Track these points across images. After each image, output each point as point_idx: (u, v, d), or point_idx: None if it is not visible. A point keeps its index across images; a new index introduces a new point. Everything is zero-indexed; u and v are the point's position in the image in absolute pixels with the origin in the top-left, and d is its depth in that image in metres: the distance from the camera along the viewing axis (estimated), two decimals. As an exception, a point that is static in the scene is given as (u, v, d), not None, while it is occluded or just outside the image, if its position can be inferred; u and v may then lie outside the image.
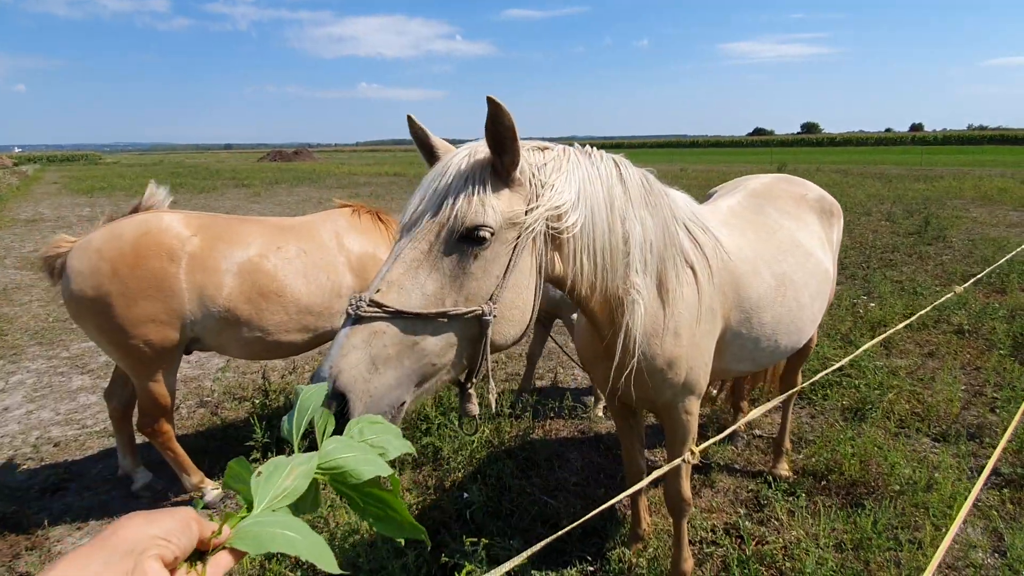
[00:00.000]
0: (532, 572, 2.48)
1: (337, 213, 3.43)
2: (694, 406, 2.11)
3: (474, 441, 3.38)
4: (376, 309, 1.22)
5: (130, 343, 2.72)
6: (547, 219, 1.42)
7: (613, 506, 3.00)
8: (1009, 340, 4.93)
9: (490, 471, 3.18)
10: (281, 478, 0.74)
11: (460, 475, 3.24)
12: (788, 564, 2.49)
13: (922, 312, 3.28)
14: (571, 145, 1.64)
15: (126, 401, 3.22)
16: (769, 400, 4.18)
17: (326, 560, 0.65)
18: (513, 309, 1.39)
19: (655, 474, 1.72)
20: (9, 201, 20.52)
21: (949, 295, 3.37)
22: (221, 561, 0.65)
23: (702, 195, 2.28)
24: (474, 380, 1.39)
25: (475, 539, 2.25)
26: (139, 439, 3.51)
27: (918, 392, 4.14)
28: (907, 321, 3.14)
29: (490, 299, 1.33)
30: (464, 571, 2.13)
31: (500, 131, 1.30)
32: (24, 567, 2.73)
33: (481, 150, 1.39)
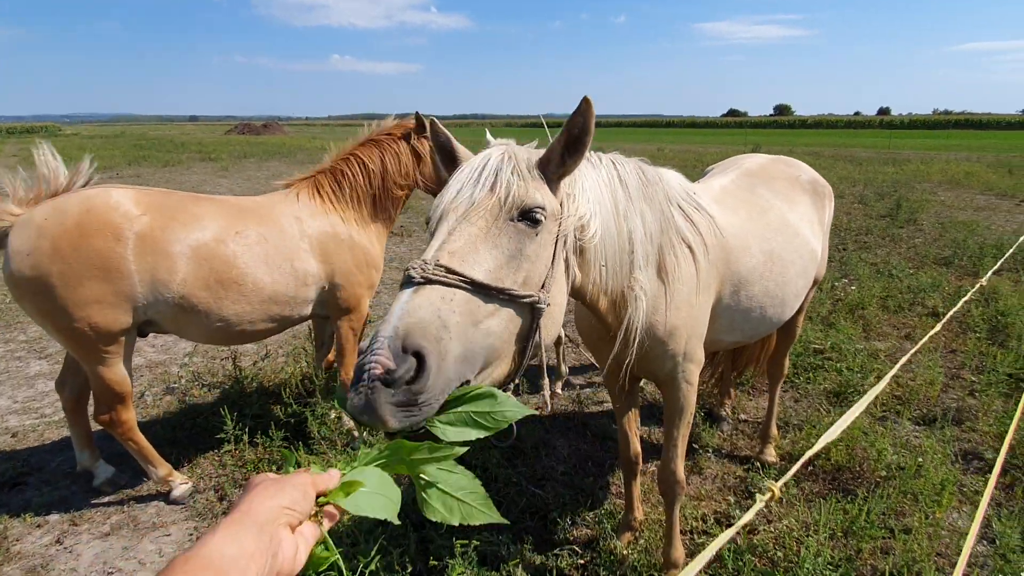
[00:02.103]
0: (524, 561, 2.40)
1: (294, 193, 3.20)
2: (694, 376, 2.18)
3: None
4: (444, 273, 1.14)
5: (75, 327, 2.50)
6: (574, 228, 1.44)
7: (603, 497, 2.95)
8: (985, 324, 5.03)
9: (475, 461, 3.08)
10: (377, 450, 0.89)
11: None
12: (780, 554, 2.46)
13: (953, 310, 3.26)
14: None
15: (79, 390, 2.98)
16: (756, 385, 4.19)
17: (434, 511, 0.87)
18: (556, 306, 1.36)
19: (740, 522, 1.62)
20: (-47, 172, 19.25)
21: (975, 288, 3.45)
22: (331, 512, 0.79)
23: (682, 175, 2.24)
24: (516, 381, 1.31)
25: (465, 541, 2.14)
26: (96, 428, 3.29)
27: (898, 375, 4.19)
28: (941, 323, 3.12)
29: (543, 287, 1.30)
30: (455, 572, 2.02)
31: (583, 133, 1.34)
32: (-25, 571, 2.52)
33: (519, 151, 1.40)
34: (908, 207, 10.44)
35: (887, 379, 2.26)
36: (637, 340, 1.80)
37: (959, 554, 2.50)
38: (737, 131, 62.22)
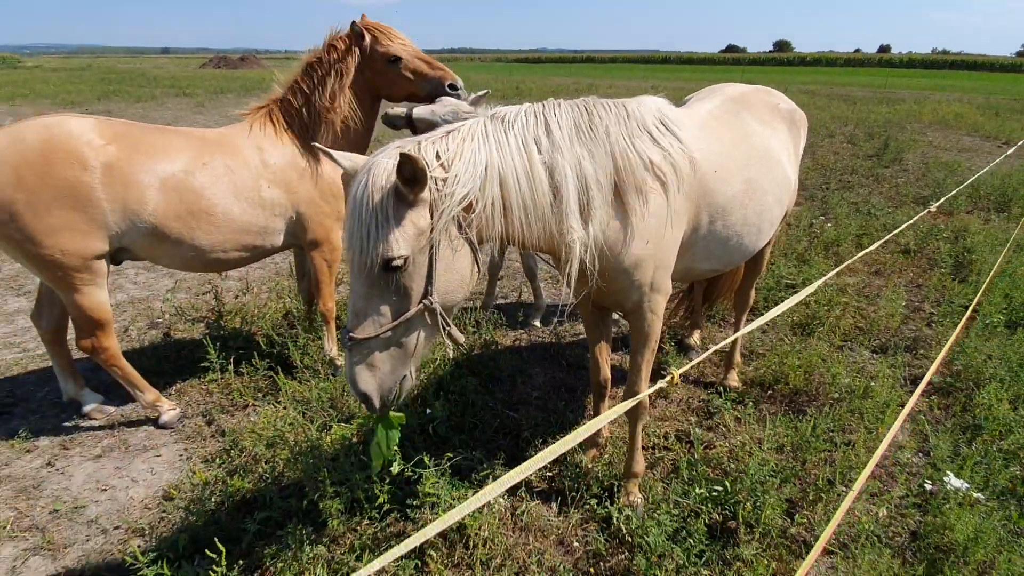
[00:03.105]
0: (494, 474, 2.58)
1: (251, 123, 3.10)
2: (660, 307, 2.24)
3: (436, 358, 3.39)
4: (357, 342, 1.61)
5: (45, 254, 2.51)
6: (455, 213, 1.60)
7: (574, 419, 3.12)
8: (951, 260, 5.18)
9: (453, 387, 3.22)
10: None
11: (423, 391, 3.27)
12: (733, 465, 2.66)
13: (885, 239, 3.34)
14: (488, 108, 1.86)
15: (55, 322, 3.02)
16: (726, 318, 4.34)
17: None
18: (450, 286, 1.67)
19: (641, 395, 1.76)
20: (-91, 107, 18.27)
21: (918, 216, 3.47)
22: None
23: (667, 101, 2.24)
24: (448, 329, 1.69)
25: (439, 459, 2.30)
26: (81, 357, 3.37)
27: (862, 308, 4.35)
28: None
29: (428, 294, 1.62)
30: (428, 482, 2.18)
31: (415, 177, 1.50)
32: (-27, 490, 2.66)
33: (382, 173, 1.54)
34: (895, 147, 10.41)
35: (802, 294, 2.37)
36: (594, 276, 1.89)
37: (896, 465, 2.73)
38: (734, 68, 60.31)
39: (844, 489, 2.50)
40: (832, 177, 8.83)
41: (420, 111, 2.82)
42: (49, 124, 2.54)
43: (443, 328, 1.67)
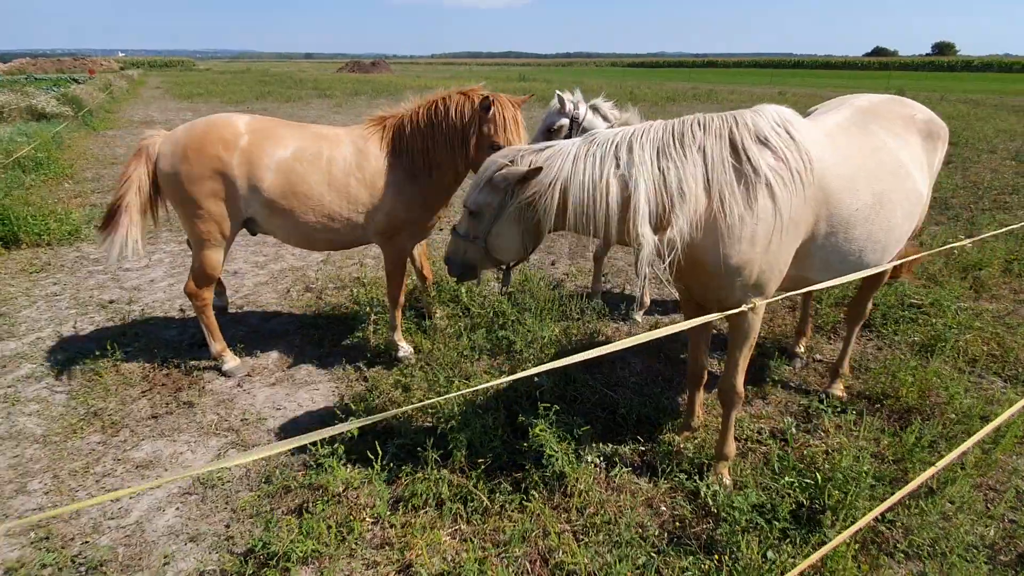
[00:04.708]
0: (593, 446, 2.88)
1: (367, 130, 3.53)
2: (760, 308, 2.33)
3: (544, 336, 3.75)
4: (453, 231, 2.46)
5: (198, 212, 3.30)
6: (515, 204, 2.21)
7: (669, 405, 3.32)
8: (1122, 293, 4.57)
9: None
10: None
11: (531, 365, 3.65)
12: (827, 466, 2.72)
13: None
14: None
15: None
16: (833, 327, 4.24)
17: None
18: (498, 241, 2.33)
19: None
20: (123, 103, 22.35)
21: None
22: None
23: (790, 109, 2.36)
24: (507, 266, 2.50)
25: (548, 404, 2.65)
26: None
27: (999, 335, 4.04)
28: None
29: (482, 237, 2.34)
30: (537, 428, 2.54)
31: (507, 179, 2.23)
32: (186, 397, 3.47)
33: (492, 163, 2.26)
34: (1073, 166, 9.06)
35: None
36: (671, 272, 2.16)
37: (1011, 490, 2.63)
38: (879, 73, 54.49)
39: (947, 503, 2.48)
40: (986, 196, 7.95)
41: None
42: (216, 117, 3.39)
43: (481, 258, 2.39)
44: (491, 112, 3.24)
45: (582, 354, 1.87)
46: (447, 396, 2.12)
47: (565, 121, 3.86)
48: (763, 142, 2.17)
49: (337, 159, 3.38)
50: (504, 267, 2.48)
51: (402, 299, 3.84)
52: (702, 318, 2.19)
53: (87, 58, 58.54)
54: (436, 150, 3.39)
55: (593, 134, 2.20)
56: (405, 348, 3.83)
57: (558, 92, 3.91)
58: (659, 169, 2.10)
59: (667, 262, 2.13)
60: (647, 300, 4.58)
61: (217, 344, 3.71)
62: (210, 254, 3.44)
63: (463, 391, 2.24)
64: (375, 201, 3.43)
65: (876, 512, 1.81)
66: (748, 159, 2.13)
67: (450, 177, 3.52)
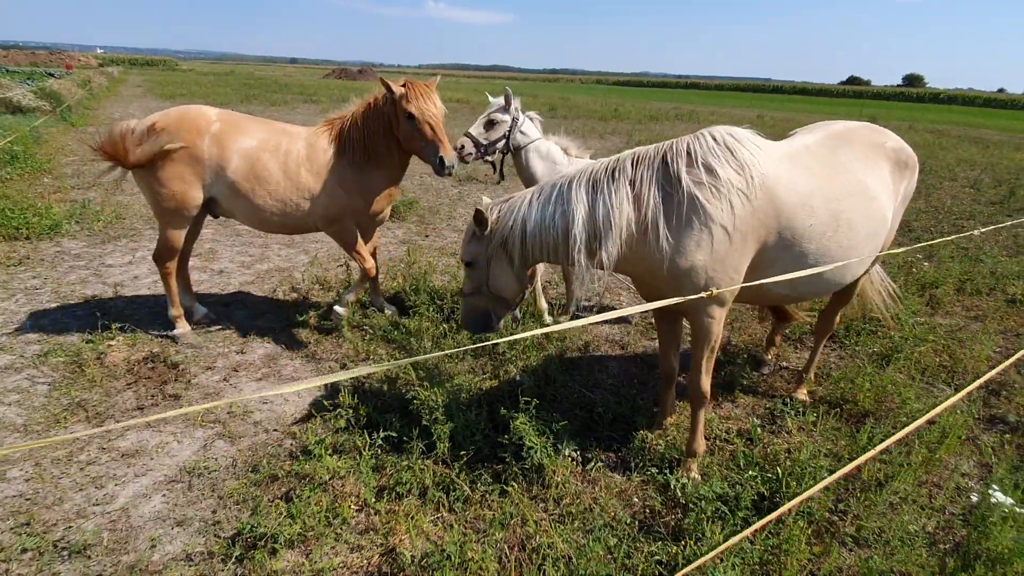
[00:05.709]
0: (570, 441, 3.02)
1: (320, 128, 4.04)
2: (717, 313, 2.53)
3: (526, 339, 3.90)
4: (462, 294, 2.85)
5: (162, 191, 3.68)
6: (495, 245, 2.59)
7: (642, 405, 3.48)
8: (1062, 312, 4.92)
9: (538, 366, 3.71)
10: None
11: (512, 366, 3.79)
12: (789, 462, 2.91)
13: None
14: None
15: (181, 261, 4.19)
16: (803, 338, 4.48)
17: None
18: (498, 282, 2.65)
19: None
20: (103, 100, 22.03)
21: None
22: None
23: (746, 130, 2.57)
24: (519, 301, 2.81)
25: (528, 399, 2.80)
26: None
27: (951, 348, 4.32)
28: None
29: (485, 283, 2.67)
30: (518, 420, 2.68)
31: (481, 223, 2.56)
32: (172, 390, 3.52)
33: (472, 218, 2.59)
34: (1025, 195, 9.64)
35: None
36: (580, 294, 2.56)
37: (951, 485, 2.85)
38: (853, 101, 56.66)
39: (894, 496, 2.68)
40: (945, 221, 8.41)
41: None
42: (189, 107, 3.84)
43: (493, 304, 2.68)
44: (405, 89, 3.73)
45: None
46: (433, 356, 2.25)
47: (507, 118, 4.10)
48: (700, 164, 2.37)
49: (292, 152, 3.87)
50: (512, 306, 2.79)
51: (370, 278, 4.22)
52: (664, 301, 2.35)
53: (64, 52, 57.51)
54: (371, 139, 3.89)
55: (545, 182, 2.59)
56: (340, 311, 4.16)
57: (507, 88, 4.14)
58: (590, 204, 2.43)
59: (604, 279, 2.47)
60: (584, 304, 4.74)
61: (174, 309, 4.10)
62: (175, 232, 3.89)
63: (448, 352, 2.37)
64: (319, 189, 3.90)
65: (821, 485, 2.00)
66: (679, 180, 2.36)
67: (385, 165, 3.98)
